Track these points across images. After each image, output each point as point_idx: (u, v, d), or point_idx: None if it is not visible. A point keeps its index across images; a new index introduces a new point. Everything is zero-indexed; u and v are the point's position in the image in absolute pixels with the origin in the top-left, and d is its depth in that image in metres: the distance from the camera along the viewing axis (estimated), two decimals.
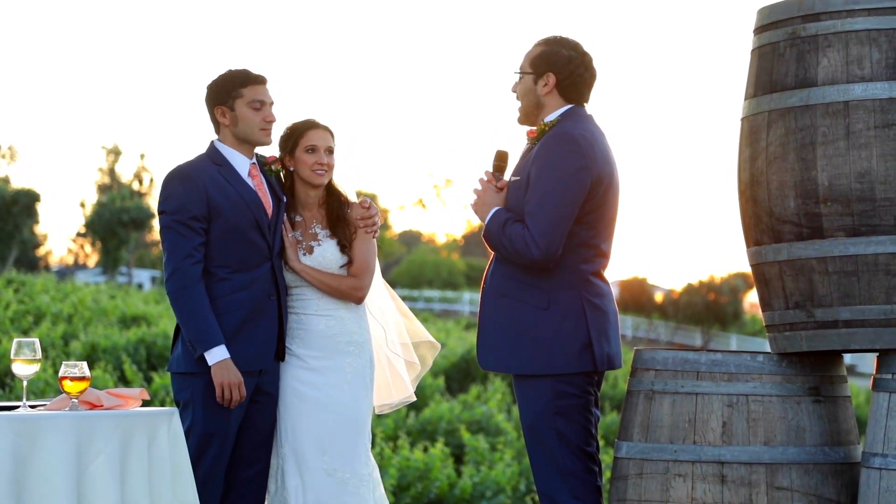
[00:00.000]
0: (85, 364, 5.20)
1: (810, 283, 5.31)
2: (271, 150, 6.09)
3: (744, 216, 5.55)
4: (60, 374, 5.14)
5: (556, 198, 5.48)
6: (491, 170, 5.74)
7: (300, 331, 6.00)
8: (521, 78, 5.73)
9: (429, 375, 23.17)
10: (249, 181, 5.89)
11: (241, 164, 5.91)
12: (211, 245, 5.79)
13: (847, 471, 5.44)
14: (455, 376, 27.07)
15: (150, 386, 19.50)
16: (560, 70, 5.66)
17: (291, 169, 6.05)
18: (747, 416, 5.36)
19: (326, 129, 6.05)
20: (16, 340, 5.24)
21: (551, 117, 5.67)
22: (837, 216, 5.22)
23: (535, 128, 5.69)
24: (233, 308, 5.79)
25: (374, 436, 17.30)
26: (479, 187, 5.71)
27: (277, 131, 6.01)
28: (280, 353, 5.94)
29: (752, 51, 5.52)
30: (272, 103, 5.90)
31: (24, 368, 5.19)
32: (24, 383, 5.26)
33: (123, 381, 20.14)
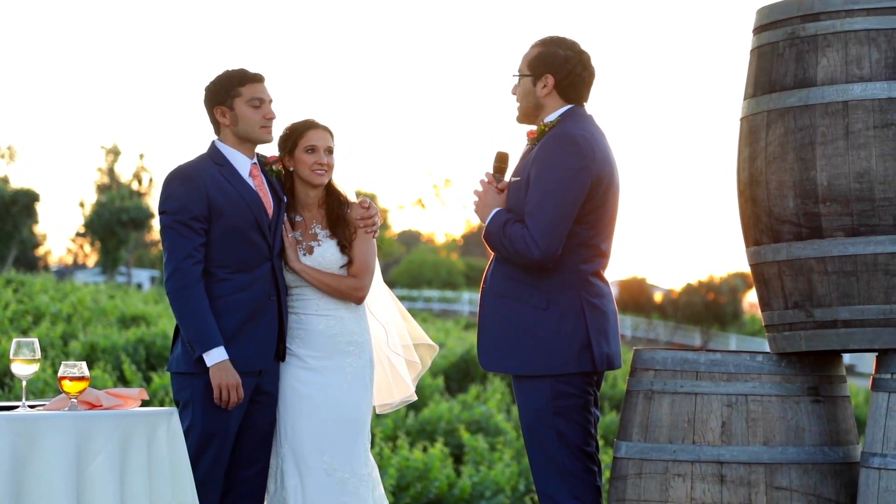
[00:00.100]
0: (84, 364, 5.19)
1: (809, 283, 5.31)
2: (272, 151, 6.09)
3: (743, 216, 5.55)
4: (60, 373, 5.14)
5: (556, 198, 5.48)
6: (491, 171, 5.75)
7: (300, 331, 6.00)
8: (519, 80, 5.73)
9: (428, 375, 23.15)
10: (250, 181, 5.89)
11: (242, 164, 5.90)
12: (211, 245, 5.78)
13: (846, 471, 5.44)
14: (454, 376, 27.05)
15: (150, 386, 19.47)
16: (558, 70, 5.66)
17: (291, 169, 6.05)
18: (746, 415, 5.36)
19: (326, 129, 6.05)
20: (15, 340, 5.23)
21: (551, 118, 5.67)
22: (836, 216, 5.22)
23: (534, 128, 5.69)
24: (233, 308, 5.78)
25: (373, 436, 17.25)
26: (480, 189, 5.72)
27: (277, 131, 6.01)
28: (280, 354, 5.93)
29: (752, 51, 5.51)
30: (271, 100, 5.89)
31: (23, 368, 5.18)
32: (24, 383, 5.26)
33: (123, 381, 20.12)
